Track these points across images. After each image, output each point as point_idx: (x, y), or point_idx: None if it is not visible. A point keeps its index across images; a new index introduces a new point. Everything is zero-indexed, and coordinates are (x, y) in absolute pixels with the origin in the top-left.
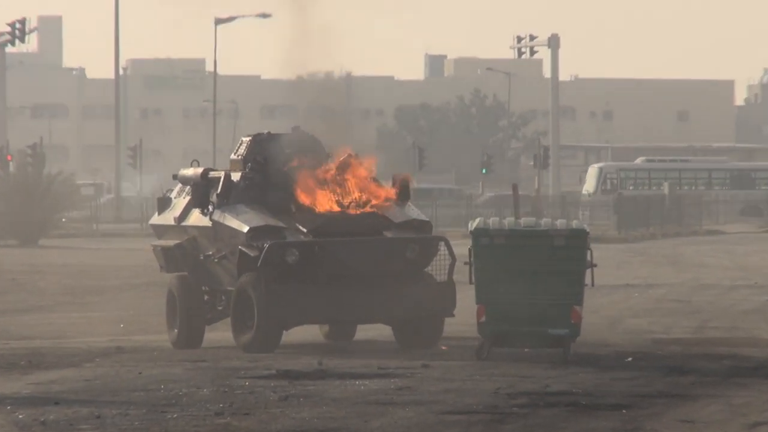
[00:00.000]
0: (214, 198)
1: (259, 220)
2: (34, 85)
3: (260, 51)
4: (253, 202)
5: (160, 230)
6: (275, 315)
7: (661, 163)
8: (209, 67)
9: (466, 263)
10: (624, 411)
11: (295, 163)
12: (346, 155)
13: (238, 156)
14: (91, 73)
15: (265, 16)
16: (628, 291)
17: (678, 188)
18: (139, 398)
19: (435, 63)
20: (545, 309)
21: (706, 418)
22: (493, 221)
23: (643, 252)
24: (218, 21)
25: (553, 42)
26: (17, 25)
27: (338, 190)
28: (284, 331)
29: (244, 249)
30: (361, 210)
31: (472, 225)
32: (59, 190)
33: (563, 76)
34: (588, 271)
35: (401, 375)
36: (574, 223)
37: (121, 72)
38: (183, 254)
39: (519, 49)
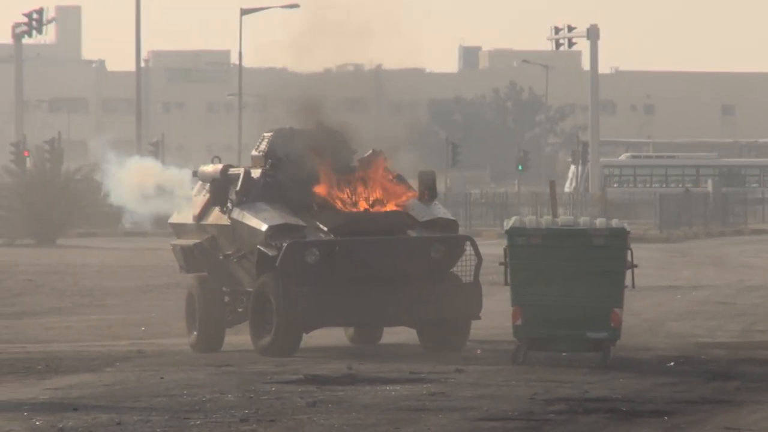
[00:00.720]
0: (233, 196)
1: (279, 218)
2: (52, 78)
3: (288, 43)
4: (274, 200)
5: (180, 229)
6: (294, 317)
7: (647, 160)
8: (234, 59)
9: (501, 264)
10: (666, 418)
11: (318, 160)
12: (370, 151)
13: (259, 152)
14: (111, 66)
15: (292, 6)
16: (671, 293)
17: (664, 185)
18: (161, 404)
19: (469, 55)
20: (584, 311)
21: (751, 425)
22: (529, 220)
23: (685, 252)
24: (244, 11)
25: (593, 33)
26: (34, 16)
27: (362, 188)
28: (304, 335)
29: (262, 248)
30: (385, 208)
31: (508, 224)
32: (78, 187)
33: (603, 68)
34: (628, 272)
35: (434, 380)
36: (614, 222)
37: (142, 64)
38: (202, 254)
39: (557, 41)
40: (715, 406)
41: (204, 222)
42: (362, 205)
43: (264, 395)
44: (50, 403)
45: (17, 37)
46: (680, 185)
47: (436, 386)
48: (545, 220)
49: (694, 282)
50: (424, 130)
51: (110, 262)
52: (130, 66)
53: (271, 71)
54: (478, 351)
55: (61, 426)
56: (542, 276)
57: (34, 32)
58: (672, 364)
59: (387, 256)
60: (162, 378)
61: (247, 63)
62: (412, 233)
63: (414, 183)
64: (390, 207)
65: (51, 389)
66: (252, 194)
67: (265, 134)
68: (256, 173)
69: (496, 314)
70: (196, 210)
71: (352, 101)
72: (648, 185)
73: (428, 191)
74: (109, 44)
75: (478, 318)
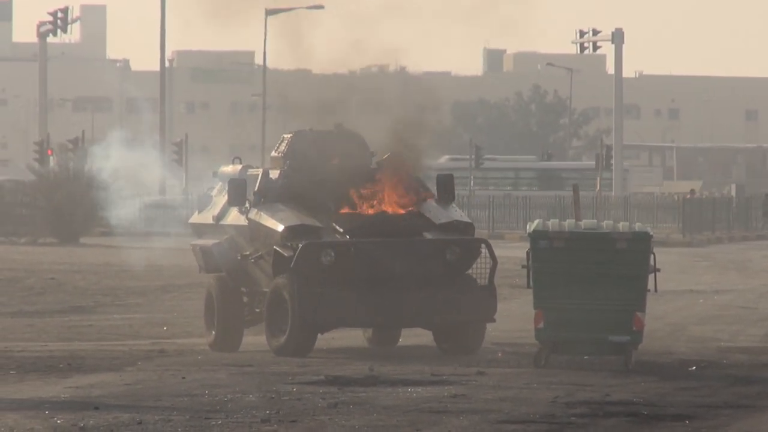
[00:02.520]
0: (252, 196)
1: (295, 219)
2: (77, 77)
3: (312, 44)
4: (291, 201)
5: (199, 229)
6: (309, 318)
7: (464, 162)
8: (258, 60)
9: (523, 266)
10: (687, 422)
11: (336, 162)
12: (388, 154)
13: (278, 153)
14: (135, 65)
15: (317, 8)
16: (693, 297)
17: (484, 189)
18: (182, 404)
19: (493, 58)
20: (606, 315)
21: None
22: (552, 223)
23: (708, 257)
24: (269, 12)
25: (617, 37)
26: (59, 15)
27: (379, 190)
28: (324, 336)
29: (278, 249)
30: (402, 210)
31: (531, 227)
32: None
33: (627, 72)
34: (651, 276)
35: (455, 382)
36: (637, 226)
37: (166, 64)
38: (221, 254)
39: (581, 44)
40: (737, 410)
41: (223, 222)
42: (379, 207)
43: (285, 396)
44: (71, 401)
45: (42, 36)
46: (501, 188)
47: (457, 388)
48: (568, 223)
49: (717, 286)
50: (448, 132)
51: (132, 261)
52: (155, 66)
53: (296, 73)
54: (500, 354)
55: (82, 425)
56: (565, 279)
57: (59, 31)
58: (694, 368)
59: (402, 258)
60: (183, 378)
61: (271, 64)
62: (428, 235)
63: (433, 185)
64: (406, 209)
65: (72, 388)
66: (270, 195)
67: (285, 135)
68: (274, 174)
69: (519, 317)
70: (216, 210)
71: (376, 103)
72: (465, 188)
73: (446, 194)
74: (133, 44)
75: (493, 320)
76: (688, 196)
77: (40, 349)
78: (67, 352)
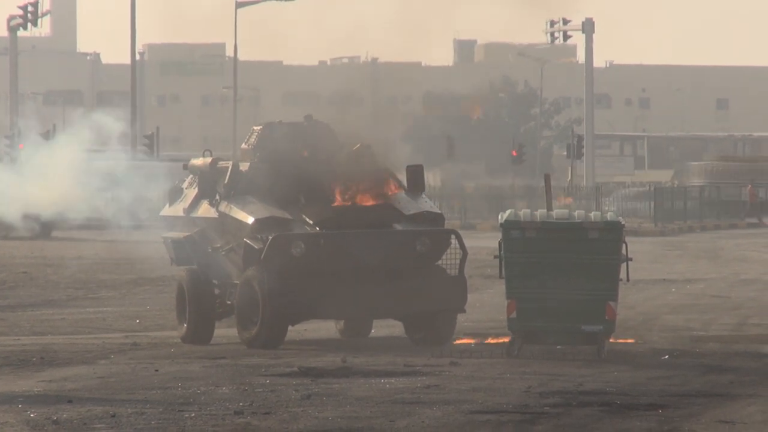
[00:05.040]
0: (222, 189)
1: (265, 211)
2: (47, 70)
3: (283, 36)
4: (261, 193)
5: (170, 222)
6: (280, 310)
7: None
8: (229, 52)
9: (496, 257)
10: (660, 411)
11: (306, 154)
12: (358, 145)
13: (249, 145)
14: (106, 59)
15: (288, 0)
16: (665, 286)
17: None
18: (155, 396)
19: (464, 48)
20: (578, 305)
21: (746, 418)
22: (524, 213)
23: (680, 246)
24: (239, 4)
25: (588, 27)
26: (29, 8)
27: (349, 181)
28: (299, 328)
29: (249, 241)
30: (371, 202)
31: (503, 217)
32: None
33: (598, 62)
34: (623, 266)
35: (428, 373)
36: (609, 215)
37: (137, 57)
38: (192, 247)
39: (552, 34)
40: (710, 399)
41: (193, 215)
42: (349, 199)
43: (258, 388)
44: (45, 395)
45: (12, 29)
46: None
47: (430, 379)
48: (540, 213)
49: (689, 275)
50: (419, 123)
51: (105, 254)
52: (125, 59)
53: (266, 64)
54: (472, 343)
55: (55, 418)
56: (537, 269)
57: (29, 25)
58: (666, 357)
59: (372, 249)
60: (156, 370)
61: (242, 56)
62: (398, 227)
63: (403, 177)
64: (376, 200)
65: (45, 381)
66: (239, 187)
67: (255, 128)
68: (244, 166)
69: (491, 307)
70: (186, 203)
71: (347, 94)
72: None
73: (415, 185)
74: (103, 37)
75: (464, 311)
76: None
77: (13, 343)
78: (40, 345)
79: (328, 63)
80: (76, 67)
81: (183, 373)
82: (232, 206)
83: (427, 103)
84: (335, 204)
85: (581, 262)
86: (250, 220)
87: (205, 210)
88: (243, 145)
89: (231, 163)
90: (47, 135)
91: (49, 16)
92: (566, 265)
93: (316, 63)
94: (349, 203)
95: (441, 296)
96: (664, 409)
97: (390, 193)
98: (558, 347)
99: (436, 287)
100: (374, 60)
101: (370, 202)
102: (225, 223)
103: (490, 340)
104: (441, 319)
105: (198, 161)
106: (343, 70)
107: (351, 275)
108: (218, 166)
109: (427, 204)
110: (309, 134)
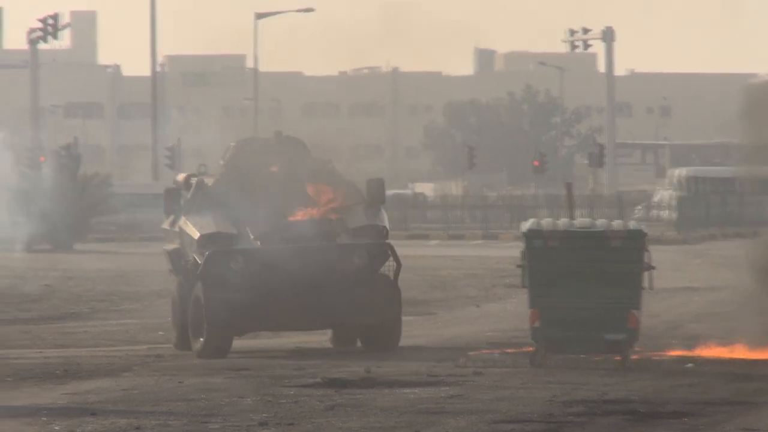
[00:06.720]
0: (184, 204)
1: (213, 226)
2: (68, 83)
3: (303, 47)
4: (219, 208)
5: (166, 234)
6: (218, 322)
7: None
8: (249, 64)
9: (518, 266)
10: (684, 419)
11: (271, 168)
12: (323, 159)
13: (224, 161)
14: (126, 71)
15: (308, 11)
16: (688, 294)
17: None
18: (179, 408)
19: (484, 57)
20: (601, 313)
21: None
22: (546, 222)
23: (702, 254)
24: (259, 16)
25: (608, 35)
26: (49, 21)
27: (304, 196)
28: (237, 338)
29: (195, 256)
30: (318, 216)
31: (525, 226)
32: (95, 192)
33: (618, 70)
34: (646, 274)
35: (452, 383)
36: (632, 224)
37: (158, 69)
38: (178, 259)
39: (572, 43)
40: (734, 407)
41: (174, 229)
42: (299, 213)
43: (282, 399)
44: (68, 408)
45: (32, 42)
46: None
47: (454, 389)
48: (562, 222)
49: (712, 283)
50: (440, 133)
51: (127, 267)
52: (146, 71)
53: (287, 75)
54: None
55: (79, 431)
56: (560, 278)
57: (50, 38)
58: (690, 365)
59: (304, 264)
60: (180, 382)
61: (262, 67)
62: (342, 240)
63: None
64: (323, 214)
65: (69, 394)
66: (203, 202)
67: (231, 144)
68: (209, 181)
69: (514, 316)
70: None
71: (368, 104)
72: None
73: (374, 198)
74: (124, 49)
75: (398, 321)
76: None
77: (36, 355)
78: (63, 358)
79: (349, 73)
80: (96, 80)
81: (207, 384)
82: (188, 221)
83: (448, 112)
84: (276, 219)
85: (604, 271)
86: (197, 235)
87: (180, 224)
88: (220, 161)
89: (196, 179)
90: (68, 147)
91: (69, 29)
92: (589, 273)
93: (336, 73)
94: (299, 217)
95: (374, 307)
96: (689, 417)
97: (343, 206)
98: (581, 356)
99: (369, 299)
100: (395, 70)
101: (314, 216)
102: (183, 237)
103: (514, 350)
104: (384, 328)
105: (181, 177)
106: (363, 80)
107: (287, 288)
108: (190, 181)
109: (377, 217)
110: (279, 149)
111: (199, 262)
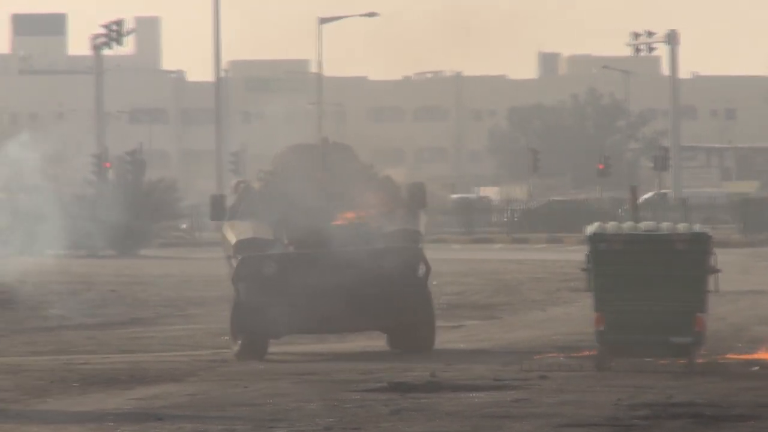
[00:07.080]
0: (229, 211)
1: (250, 232)
2: (132, 89)
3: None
4: (262, 214)
5: (223, 241)
6: (251, 326)
7: None
8: (313, 68)
9: (583, 270)
10: (751, 422)
11: (315, 175)
12: (368, 165)
13: (271, 167)
14: (190, 76)
15: (371, 15)
16: (755, 297)
17: None
18: (245, 413)
19: (548, 61)
20: (667, 316)
21: None
22: (611, 226)
23: None
24: (322, 20)
25: (672, 38)
26: (113, 27)
27: (349, 201)
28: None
29: (233, 261)
30: (354, 220)
31: (589, 230)
32: (161, 198)
33: (683, 73)
34: (712, 277)
35: (517, 387)
36: (697, 227)
37: (221, 74)
38: (229, 264)
39: (636, 46)
40: None
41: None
42: (335, 218)
43: (348, 403)
44: (135, 413)
45: (97, 48)
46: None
47: (519, 393)
48: (627, 225)
49: None
50: (504, 136)
51: (192, 271)
52: (209, 76)
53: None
54: (561, 357)
55: None
56: (625, 281)
57: (114, 44)
58: (757, 368)
59: (334, 268)
60: (246, 387)
61: (326, 72)
62: (374, 244)
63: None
64: (361, 219)
65: (135, 399)
66: (243, 208)
67: (279, 150)
68: (255, 187)
69: (579, 320)
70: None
71: (432, 108)
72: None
73: (415, 202)
74: (187, 55)
75: (432, 322)
76: None
77: (102, 361)
78: (129, 363)
79: (413, 78)
80: (160, 85)
81: (272, 389)
82: (228, 228)
83: (512, 116)
84: (310, 223)
85: (669, 274)
86: (234, 240)
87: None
88: (269, 167)
89: (243, 185)
90: (133, 153)
91: (133, 34)
92: (654, 277)
93: (400, 78)
94: (325, 223)
95: (403, 310)
96: (755, 420)
97: (383, 211)
98: (647, 359)
99: (398, 302)
100: (458, 74)
101: (351, 221)
102: (224, 243)
103: (579, 353)
104: (417, 330)
105: (232, 182)
106: (427, 84)
107: (318, 292)
108: (239, 187)
109: (413, 222)
110: (326, 156)
111: (235, 267)
